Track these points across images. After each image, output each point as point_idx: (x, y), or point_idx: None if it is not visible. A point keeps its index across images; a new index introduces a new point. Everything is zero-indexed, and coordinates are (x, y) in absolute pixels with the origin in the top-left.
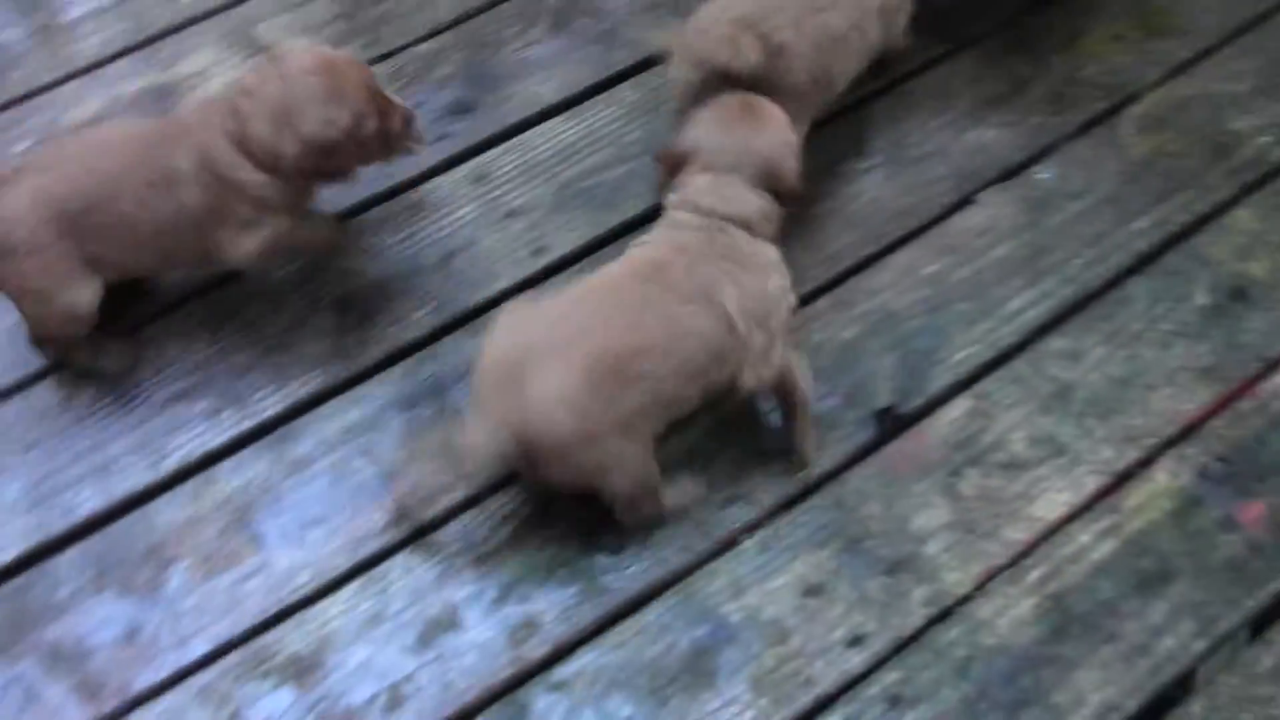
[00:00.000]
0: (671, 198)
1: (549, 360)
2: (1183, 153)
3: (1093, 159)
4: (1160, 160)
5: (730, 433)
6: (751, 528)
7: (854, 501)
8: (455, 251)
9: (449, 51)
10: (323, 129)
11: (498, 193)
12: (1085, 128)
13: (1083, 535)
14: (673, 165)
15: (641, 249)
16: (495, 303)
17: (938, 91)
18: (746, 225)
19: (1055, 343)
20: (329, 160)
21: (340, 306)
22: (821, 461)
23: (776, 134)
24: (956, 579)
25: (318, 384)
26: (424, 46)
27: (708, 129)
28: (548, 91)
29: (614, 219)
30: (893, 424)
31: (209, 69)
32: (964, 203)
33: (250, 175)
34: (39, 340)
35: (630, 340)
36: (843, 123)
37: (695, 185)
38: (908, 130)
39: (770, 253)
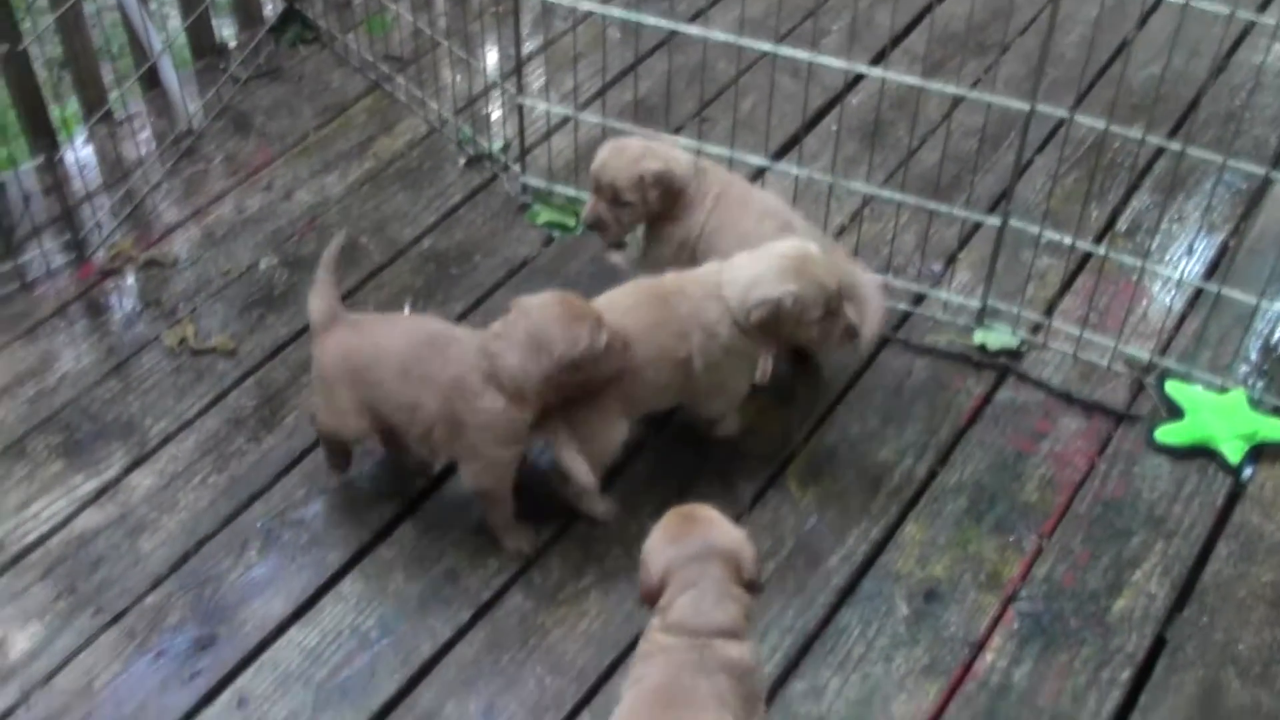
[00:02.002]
0: (655, 622)
1: None
2: (845, 491)
3: (775, 519)
4: (829, 502)
5: None
6: None
7: None
8: None
9: (175, 597)
10: (569, 347)
11: (262, 709)
12: (757, 498)
13: None
14: (653, 597)
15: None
16: None
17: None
18: (734, 634)
19: (796, 685)
20: (573, 375)
21: None
22: None
23: (728, 529)
24: None
25: None
26: (149, 599)
27: (666, 549)
28: (278, 606)
29: (375, 702)
30: None
31: None
32: None
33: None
34: None
35: None
36: (552, 553)
37: (679, 606)
38: (607, 546)
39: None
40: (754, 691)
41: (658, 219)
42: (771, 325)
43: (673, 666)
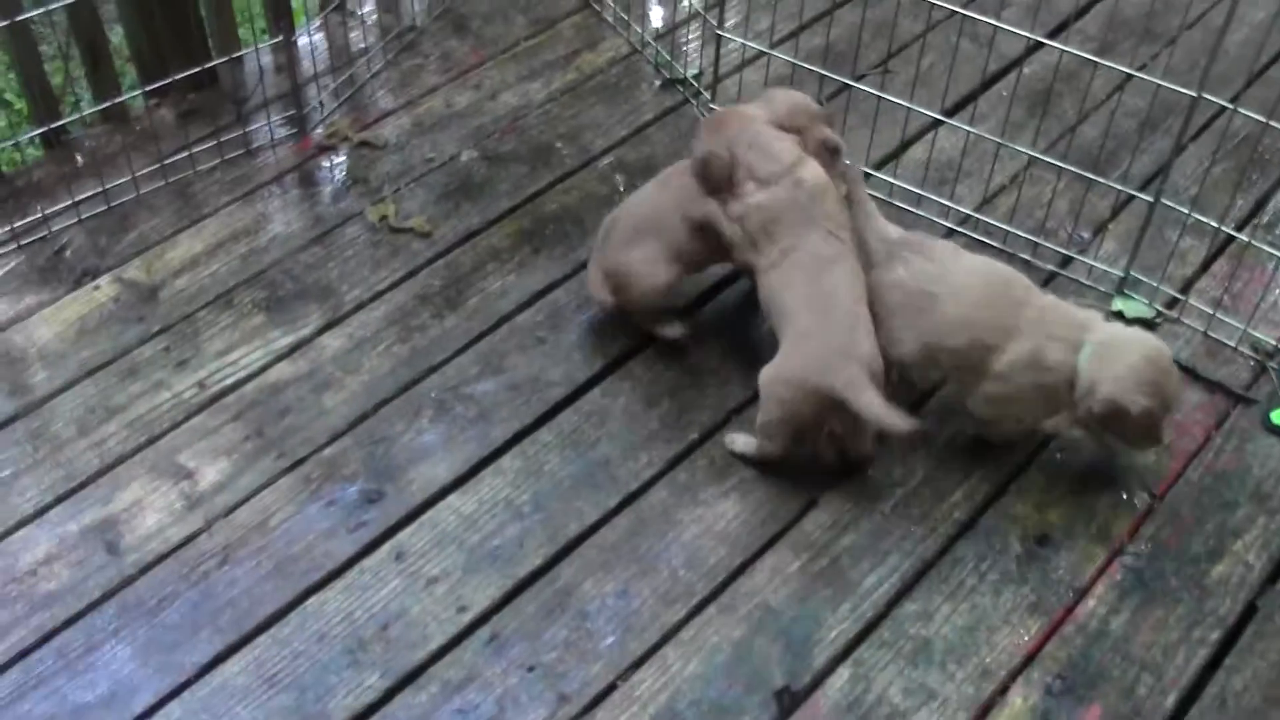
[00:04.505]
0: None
1: None
2: (977, 434)
3: (909, 450)
4: (961, 443)
5: None
6: None
7: None
8: (389, 622)
9: (350, 451)
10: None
11: (417, 565)
12: None
13: None
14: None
15: None
16: (434, 659)
17: None
18: None
19: (909, 607)
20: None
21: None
22: None
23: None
24: None
25: None
26: (327, 451)
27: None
28: (442, 471)
29: (520, 571)
30: (790, 700)
31: (144, 499)
32: (810, 505)
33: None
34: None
35: None
36: (699, 456)
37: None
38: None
39: None
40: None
41: None
42: (1108, 422)
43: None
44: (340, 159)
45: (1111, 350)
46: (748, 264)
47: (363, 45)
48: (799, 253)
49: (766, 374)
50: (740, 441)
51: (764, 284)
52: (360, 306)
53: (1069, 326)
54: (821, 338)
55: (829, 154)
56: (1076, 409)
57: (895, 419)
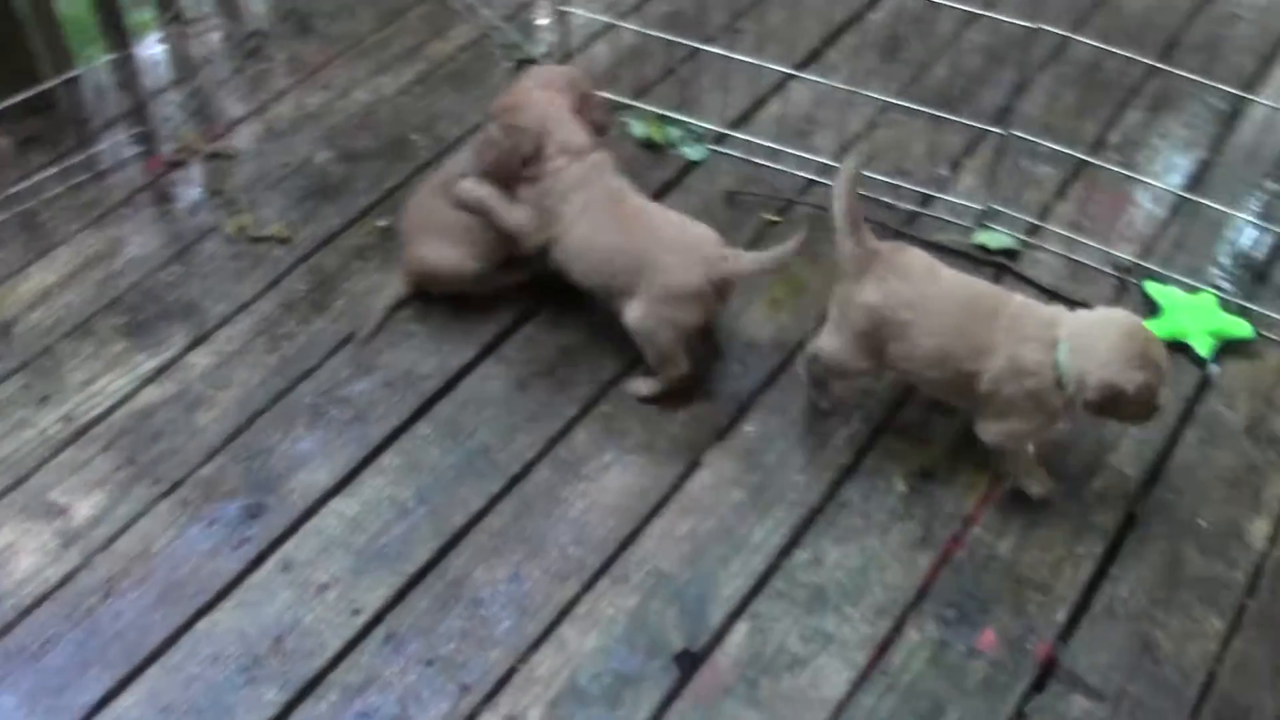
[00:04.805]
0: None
1: None
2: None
3: (784, 401)
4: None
5: None
6: None
7: None
8: (283, 634)
9: (227, 468)
10: None
11: (305, 574)
12: (769, 380)
13: (867, 700)
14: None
15: None
16: (332, 666)
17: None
18: None
19: (799, 556)
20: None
21: None
22: (640, 709)
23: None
24: None
25: None
26: (204, 471)
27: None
28: (323, 477)
29: (410, 567)
30: (691, 662)
31: (16, 541)
32: (693, 467)
33: None
34: None
35: None
36: (579, 431)
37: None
38: (628, 426)
39: None
40: None
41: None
42: (1106, 408)
43: None
44: (193, 173)
45: (1087, 338)
46: (541, 243)
47: (206, 54)
48: (597, 199)
49: (639, 311)
50: (644, 385)
51: (569, 244)
52: (225, 321)
53: (1039, 326)
54: (667, 245)
55: (602, 120)
56: (1073, 407)
57: (777, 252)
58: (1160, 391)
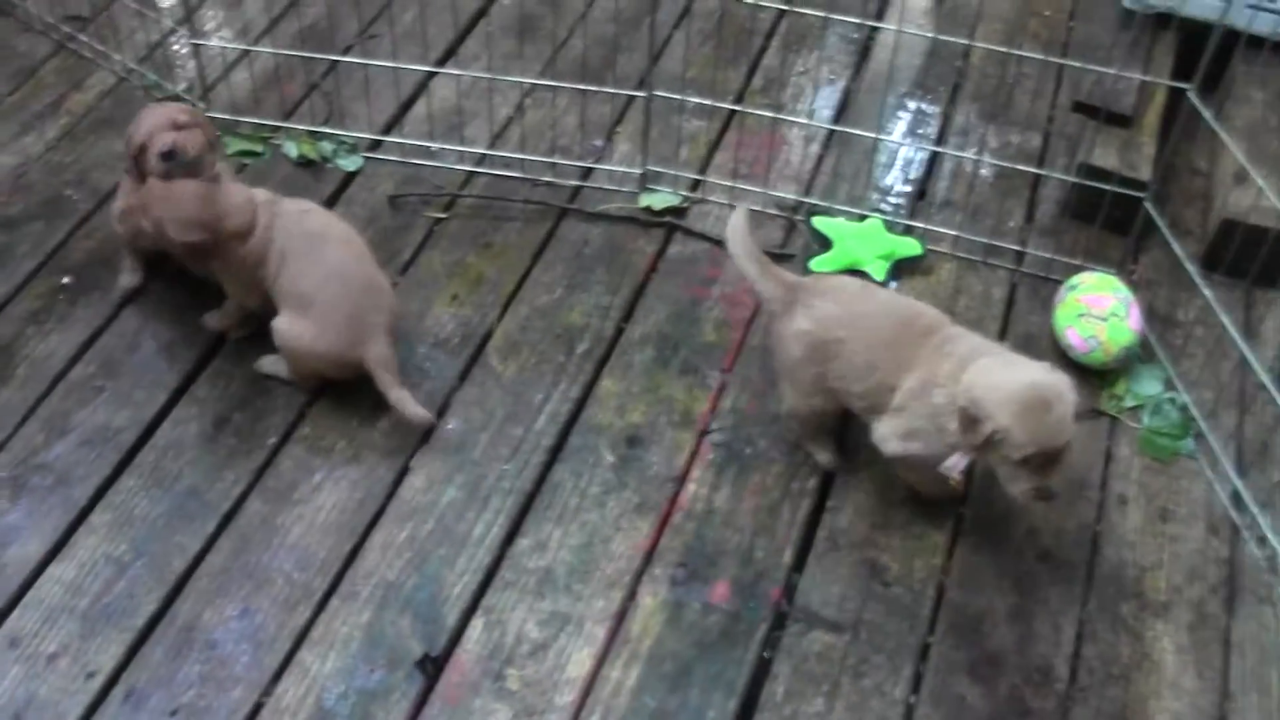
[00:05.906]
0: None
1: None
2: (542, 358)
3: (482, 394)
4: (529, 371)
5: None
6: None
7: None
8: (19, 712)
9: None
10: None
11: (33, 646)
12: (463, 375)
13: (614, 672)
14: None
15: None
16: None
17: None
18: None
19: (522, 543)
20: None
21: None
22: None
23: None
24: None
25: None
26: None
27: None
28: (34, 547)
29: (138, 620)
30: (434, 666)
31: None
32: (403, 473)
33: None
34: None
35: None
36: (283, 458)
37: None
38: (332, 444)
39: None
40: None
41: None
42: (964, 430)
43: None
44: None
45: (1000, 367)
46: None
47: None
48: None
49: (292, 335)
50: (268, 363)
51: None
52: None
53: (967, 350)
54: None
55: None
56: (976, 436)
57: (412, 409)
58: (1047, 466)
